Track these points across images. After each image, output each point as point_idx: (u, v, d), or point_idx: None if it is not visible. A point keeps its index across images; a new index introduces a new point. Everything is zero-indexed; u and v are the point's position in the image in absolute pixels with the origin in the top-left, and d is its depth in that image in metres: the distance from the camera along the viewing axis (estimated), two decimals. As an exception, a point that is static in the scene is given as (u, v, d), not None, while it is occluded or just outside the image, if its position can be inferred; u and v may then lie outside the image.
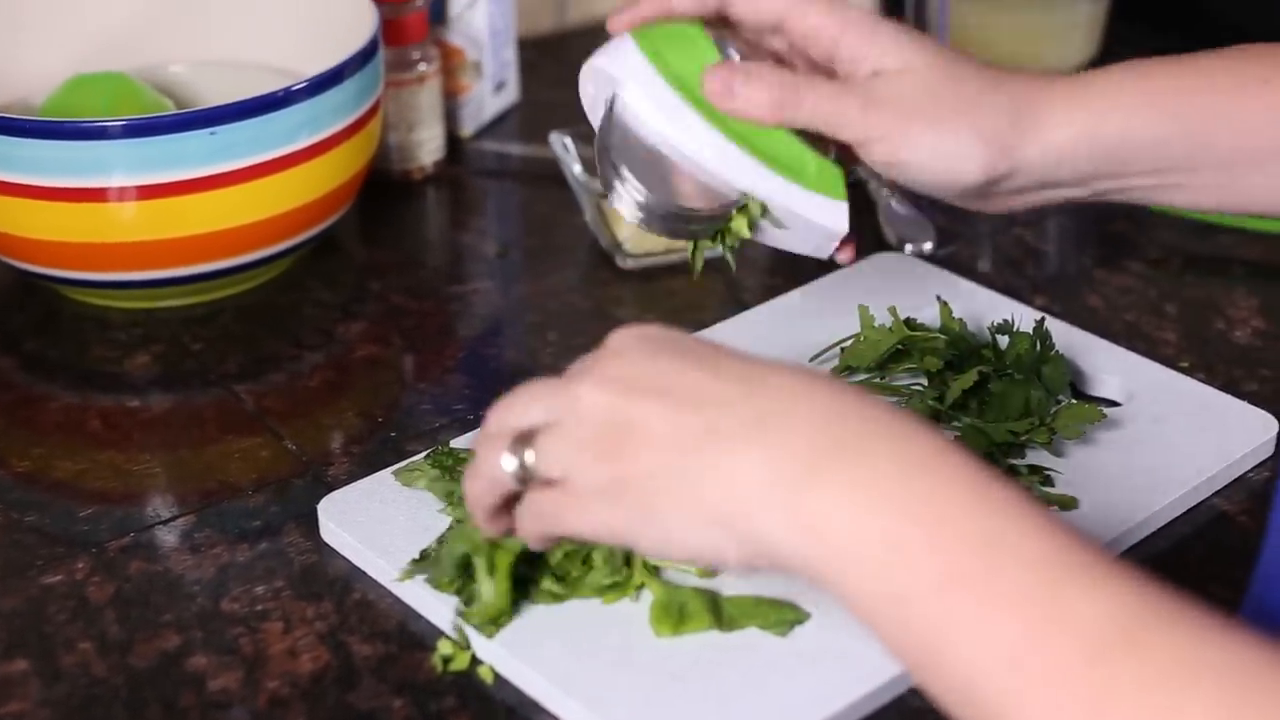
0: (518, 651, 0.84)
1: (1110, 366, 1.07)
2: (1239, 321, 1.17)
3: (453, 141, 1.43)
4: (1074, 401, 1.03)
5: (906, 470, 0.67)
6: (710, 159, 0.90)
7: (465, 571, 0.87)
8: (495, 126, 1.48)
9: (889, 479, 0.66)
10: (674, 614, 0.86)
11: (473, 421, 1.04)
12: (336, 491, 0.97)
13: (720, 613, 0.86)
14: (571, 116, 1.38)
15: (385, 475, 0.97)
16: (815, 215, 0.92)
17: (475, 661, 0.86)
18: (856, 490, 0.66)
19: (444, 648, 0.86)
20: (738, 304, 1.18)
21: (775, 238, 0.95)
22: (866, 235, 1.25)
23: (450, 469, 0.96)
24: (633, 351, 0.74)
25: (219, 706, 0.84)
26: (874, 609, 0.66)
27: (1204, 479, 0.98)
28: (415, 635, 0.88)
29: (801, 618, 0.86)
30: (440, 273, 1.28)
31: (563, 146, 1.26)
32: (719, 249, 0.94)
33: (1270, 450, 1.01)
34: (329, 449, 1.05)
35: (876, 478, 0.66)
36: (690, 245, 0.97)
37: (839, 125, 0.91)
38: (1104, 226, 1.31)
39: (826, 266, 1.19)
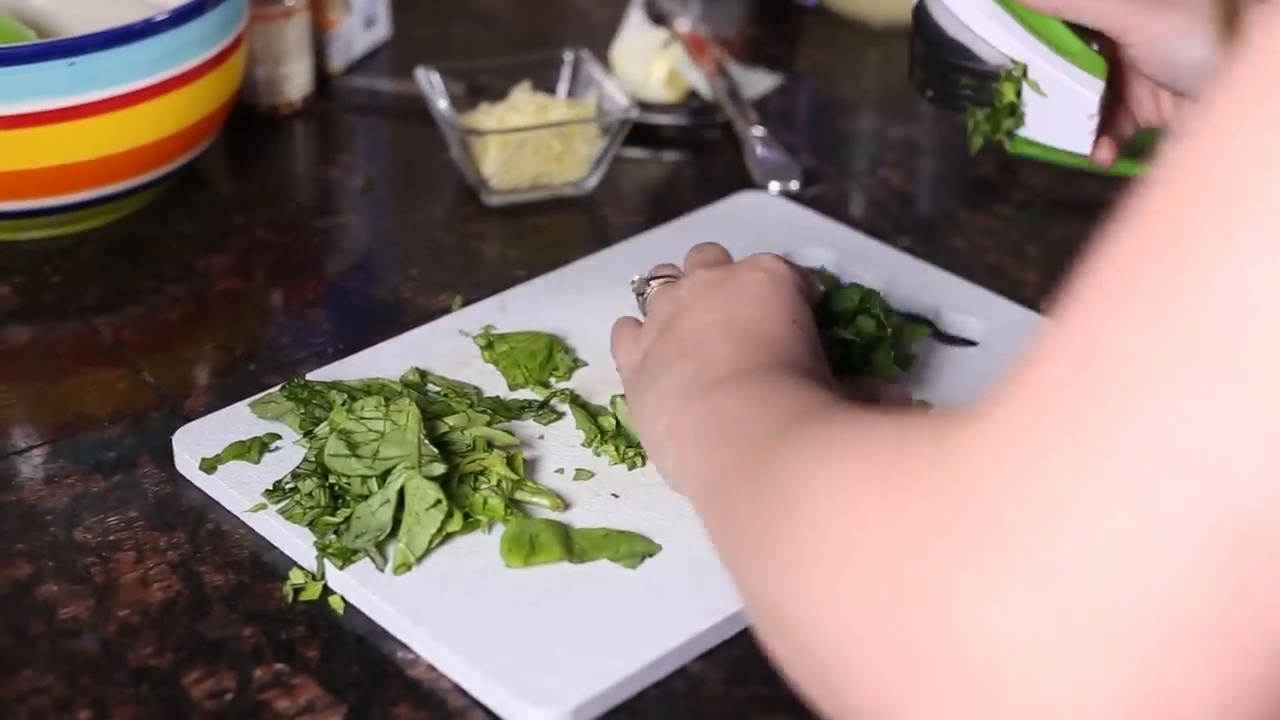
0: (368, 581, 0.85)
1: (969, 306, 1.08)
2: (1097, 263, 1.17)
3: (322, 77, 1.42)
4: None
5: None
6: (988, 27, 1.04)
7: (336, 501, 0.88)
8: (366, 62, 1.47)
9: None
10: (525, 545, 0.86)
11: (332, 355, 1.04)
12: (192, 423, 0.96)
13: (571, 544, 0.87)
14: (442, 52, 1.38)
15: (241, 407, 0.97)
16: (1073, 81, 1.04)
17: (326, 591, 0.86)
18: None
19: (295, 577, 0.86)
20: (601, 240, 1.18)
21: (1039, 120, 1.06)
22: (732, 176, 1.26)
23: (305, 401, 0.95)
24: (737, 276, 0.91)
25: (69, 634, 0.84)
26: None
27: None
28: (267, 565, 0.88)
29: (652, 550, 0.87)
30: (305, 207, 1.27)
31: (428, 82, 1.26)
32: (994, 135, 1.07)
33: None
34: (186, 382, 1.04)
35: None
36: (969, 125, 1.07)
37: (1102, 16, 1.03)
38: (971, 170, 1.32)
39: (691, 204, 1.20)
